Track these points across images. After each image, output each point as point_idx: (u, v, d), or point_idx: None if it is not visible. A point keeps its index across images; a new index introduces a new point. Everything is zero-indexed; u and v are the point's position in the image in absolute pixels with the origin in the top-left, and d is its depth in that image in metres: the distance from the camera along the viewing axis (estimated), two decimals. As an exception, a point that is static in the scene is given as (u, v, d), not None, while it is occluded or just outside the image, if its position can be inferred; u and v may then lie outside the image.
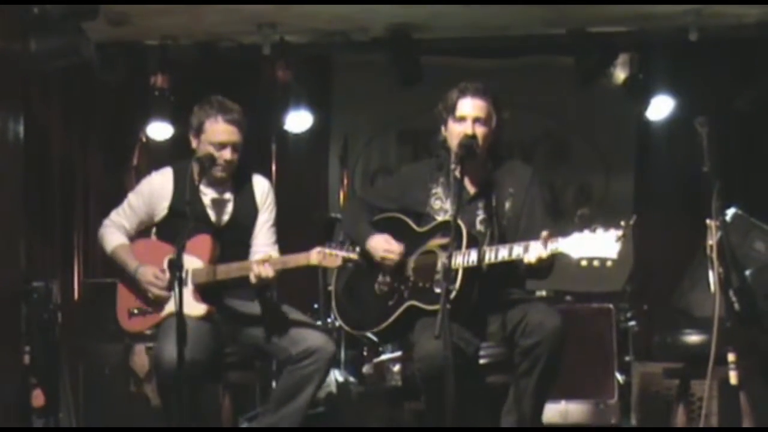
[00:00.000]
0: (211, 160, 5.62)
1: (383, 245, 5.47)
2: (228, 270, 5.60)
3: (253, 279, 5.51)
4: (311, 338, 5.52)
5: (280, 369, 5.59)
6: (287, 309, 5.76)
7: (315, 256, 5.42)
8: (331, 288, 5.87)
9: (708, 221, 5.16)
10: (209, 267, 5.62)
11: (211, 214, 5.79)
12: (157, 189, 5.82)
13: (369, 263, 5.57)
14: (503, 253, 5.11)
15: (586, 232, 4.85)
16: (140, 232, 5.94)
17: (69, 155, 8.64)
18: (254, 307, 5.73)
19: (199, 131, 5.72)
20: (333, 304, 5.81)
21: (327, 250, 5.41)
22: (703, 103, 7.99)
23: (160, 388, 5.45)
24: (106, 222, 5.91)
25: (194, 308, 5.46)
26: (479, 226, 5.43)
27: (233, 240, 5.76)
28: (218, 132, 5.67)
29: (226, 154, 5.67)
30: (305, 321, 5.72)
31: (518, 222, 5.41)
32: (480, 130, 5.34)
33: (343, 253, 5.40)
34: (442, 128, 5.48)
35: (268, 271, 5.48)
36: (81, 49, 6.97)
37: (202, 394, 5.42)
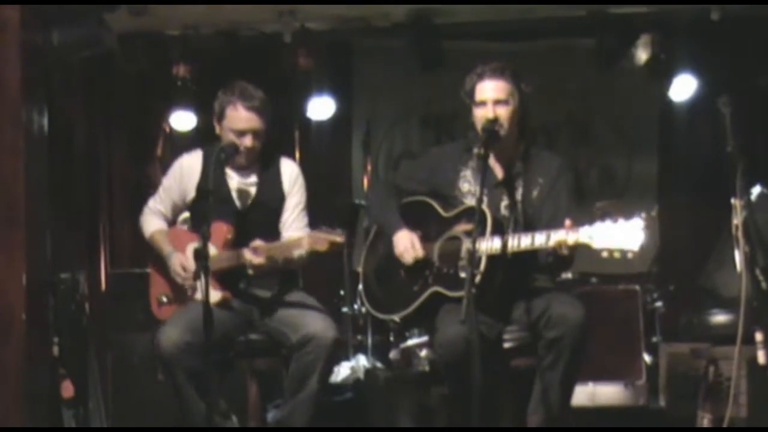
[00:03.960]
0: (234, 148, 5.63)
1: (406, 244, 5.47)
2: (224, 258, 5.61)
3: (249, 269, 5.57)
4: (310, 325, 5.50)
5: (289, 357, 5.58)
6: (301, 297, 5.77)
7: (305, 240, 5.43)
8: (360, 270, 5.88)
9: (733, 200, 5.14)
10: (223, 253, 5.64)
11: (236, 198, 5.80)
12: (186, 170, 5.86)
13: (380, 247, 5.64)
14: (526, 241, 5.11)
15: (608, 222, 4.84)
16: (176, 217, 6.02)
17: (93, 146, 8.66)
18: (269, 295, 5.76)
19: (220, 117, 5.74)
20: (360, 286, 5.83)
21: (316, 234, 5.41)
22: (726, 82, 7.95)
23: (163, 370, 5.49)
24: (145, 209, 6.00)
25: (211, 295, 5.49)
26: (504, 211, 5.41)
27: (257, 224, 5.77)
28: (238, 119, 5.67)
29: (247, 141, 5.67)
30: (310, 308, 5.68)
31: (544, 211, 5.40)
32: (502, 111, 5.32)
33: (330, 237, 5.39)
34: (470, 113, 5.47)
35: (255, 259, 5.51)
36: (103, 40, 6.99)
37: (211, 379, 5.42)
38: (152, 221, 5.95)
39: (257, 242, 5.56)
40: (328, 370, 5.67)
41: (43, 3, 5.47)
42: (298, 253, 5.54)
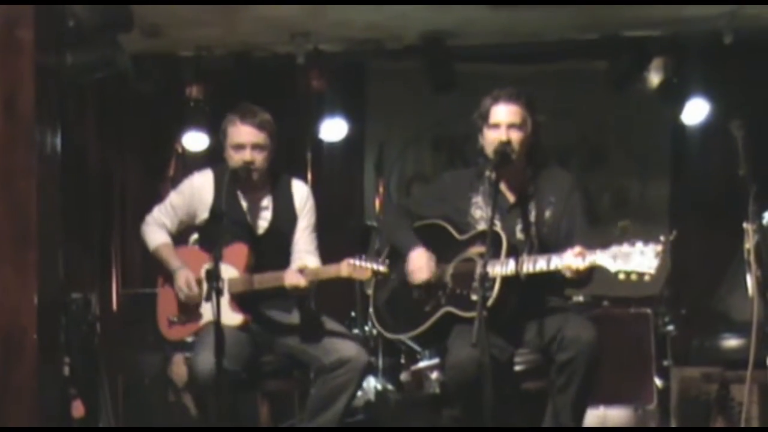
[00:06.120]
0: (246, 170, 5.63)
1: (420, 264, 5.47)
2: (262, 279, 5.61)
3: (287, 287, 5.55)
4: (344, 348, 5.53)
5: (315, 378, 5.60)
6: (323, 319, 5.77)
7: (345, 267, 5.43)
8: (370, 292, 5.88)
9: (745, 225, 5.14)
10: (245, 276, 5.64)
11: (250, 221, 5.80)
12: (197, 190, 5.85)
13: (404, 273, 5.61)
14: (541, 263, 5.10)
15: (625, 246, 4.83)
16: (180, 234, 5.99)
17: (106, 167, 8.69)
18: (291, 317, 5.75)
19: (224, 137, 5.76)
20: (371, 309, 5.82)
21: (357, 262, 5.41)
22: (738, 105, 7.95)
23: (197, 397, 5.48)
24: (148, 219, 5.95)
25: (231, 318, 5.48)
26: (519, 234, 5.41)
27: (273, 247, 5.77)
28: (237, 134, 5.68)
29: (246, 155, 5.65)
30: (339, 331, 5.71)
31: (558, 230, 5.40)
32: (515, 135, 5.33)
33: (373, 266, 5.40)
34: (480, 137, 5.48)
35: (301, 281, 5.50)
36: (116, 61, 7.02)
37: (240, 404, 5.43)
38: (157, 234, 5.91)
39: (302, 264, 5.58)
40: (356, 393, 5.68)
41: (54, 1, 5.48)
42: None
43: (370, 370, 5.70)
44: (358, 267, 5.40)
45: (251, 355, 5.57)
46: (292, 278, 5.51)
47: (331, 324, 5.74)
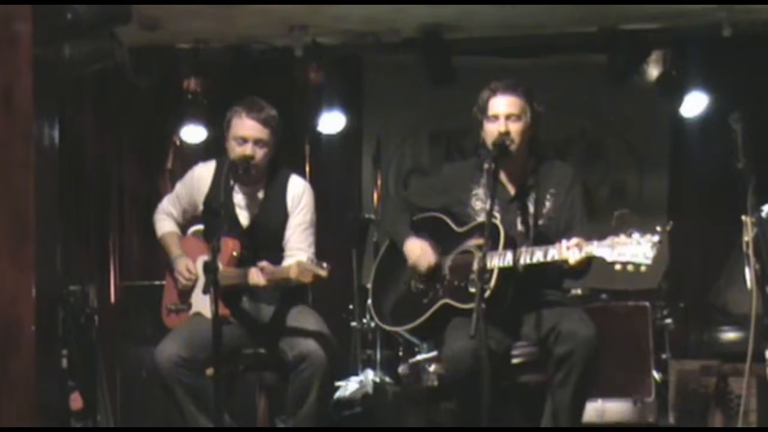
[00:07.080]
0: (246, 164, 5.61)
1: (418, 253, 5.48)
2: (236, 275, 5.59)
3: (251, 285, 5.56)
4: (303, 344, 5.49)
5: (288, 374, 5.59)
6: (302, 312, 5.75)
7: (294, 269, 5.38)
8: (369, 285, 5.88)
9: (744, 218, 5.13)
10: (228, 270, 5.62)
11: (240, 214, 5.80)
12: (197, 181, 5.90)
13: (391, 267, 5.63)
14: (538, 255, 5.11)
15: (622, 237, 4.83)
16: (188, 223, 6.03)
17: (103, 159, 8.68)
18: (273, 311, 5.75)
19: (227, 128, 5.75)
20: (369, 301, 5.82)
21: (303, 264, 5.38)
22: (737, 98, 7.94)
23: (161, 386, 5.49)
24: (159, 207, 6.05)
25: (210, 310, 5.47)
26: (520, 227, 5.42)
27: (262, 242, 5.76)
28: (241, 127, 5.67)
29: (247, 149, 5.64)
30: (304, 327, 5.63)
31: (558, 223, 5.40)
32: (514, 127, 5.33)
33: (314, 269, 5.36)
34: (481, 130, 5.47)
35: (261, 280, 5.49)
36: (114, 53, 7.01)
37: (209, 392, 5.40)
38: (164, 222, 6.00)
39: (263, 263, 5.55)
40: (327, 388, 5.67)
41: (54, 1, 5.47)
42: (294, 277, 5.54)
43: (334, 364, 5.63)
44: (303, 269, 5.37)
45: (229, 347, 5.51)
46: (253, 276, 5.51)
47: (304, 318, 5.69)
